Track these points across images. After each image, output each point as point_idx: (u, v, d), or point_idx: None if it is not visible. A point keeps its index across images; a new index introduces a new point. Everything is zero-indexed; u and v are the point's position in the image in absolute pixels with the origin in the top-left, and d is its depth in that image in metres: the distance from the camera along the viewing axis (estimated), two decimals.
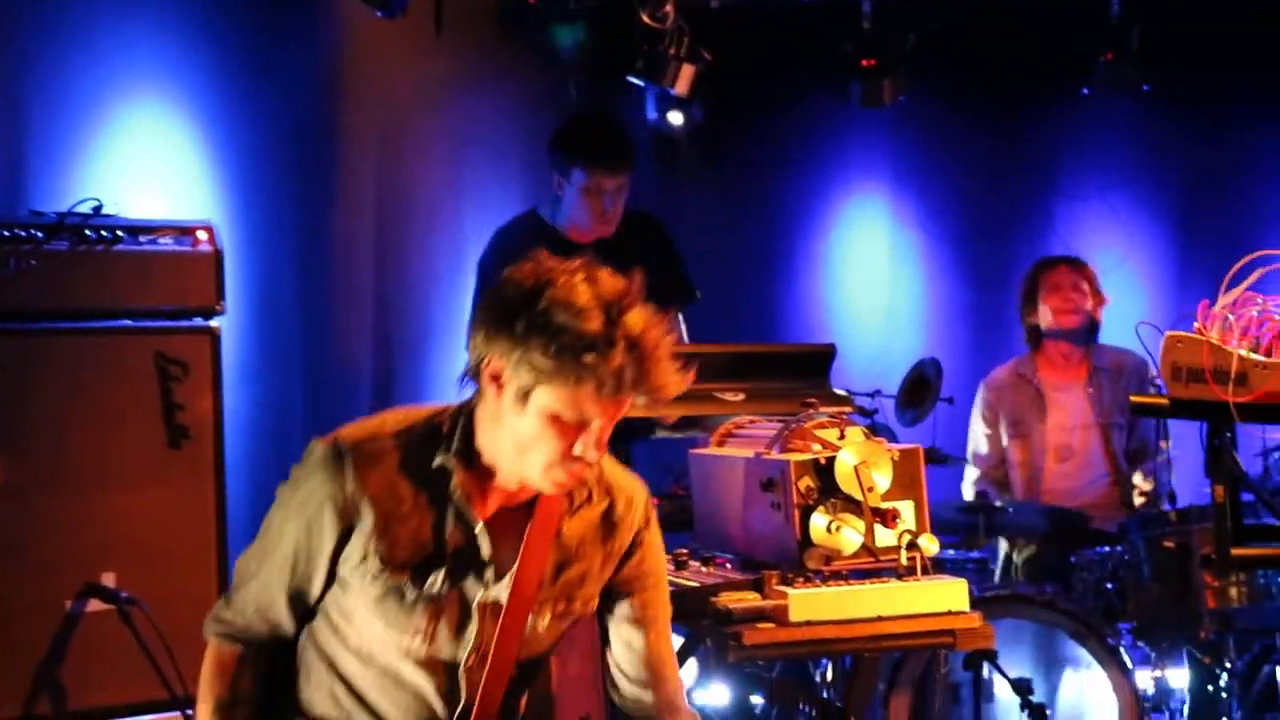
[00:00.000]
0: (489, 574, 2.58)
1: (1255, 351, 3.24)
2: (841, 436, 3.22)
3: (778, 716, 4.79)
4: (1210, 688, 4.99)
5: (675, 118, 6.63)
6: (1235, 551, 3.25)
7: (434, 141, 6.09)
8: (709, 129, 6.77)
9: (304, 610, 2.62)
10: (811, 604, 3.02)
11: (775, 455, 3.20)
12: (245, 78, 5.39)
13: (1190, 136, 7.01)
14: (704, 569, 3.35)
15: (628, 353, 2.42)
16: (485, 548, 2.58)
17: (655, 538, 2.78)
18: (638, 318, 2.46)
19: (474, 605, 2.58)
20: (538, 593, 2.61)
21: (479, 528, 2.57)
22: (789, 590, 3.03)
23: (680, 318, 4.95)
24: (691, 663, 4.04)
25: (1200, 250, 6.72)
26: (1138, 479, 5.50)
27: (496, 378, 2.48)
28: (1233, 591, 4.98)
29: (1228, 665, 4.96)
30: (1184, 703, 5.08)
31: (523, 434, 2.49)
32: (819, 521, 3.10)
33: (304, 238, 5.59)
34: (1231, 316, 3.30)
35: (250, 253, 5.31)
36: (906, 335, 6.89)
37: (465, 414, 2.58)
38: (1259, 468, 5.62)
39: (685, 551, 3.41)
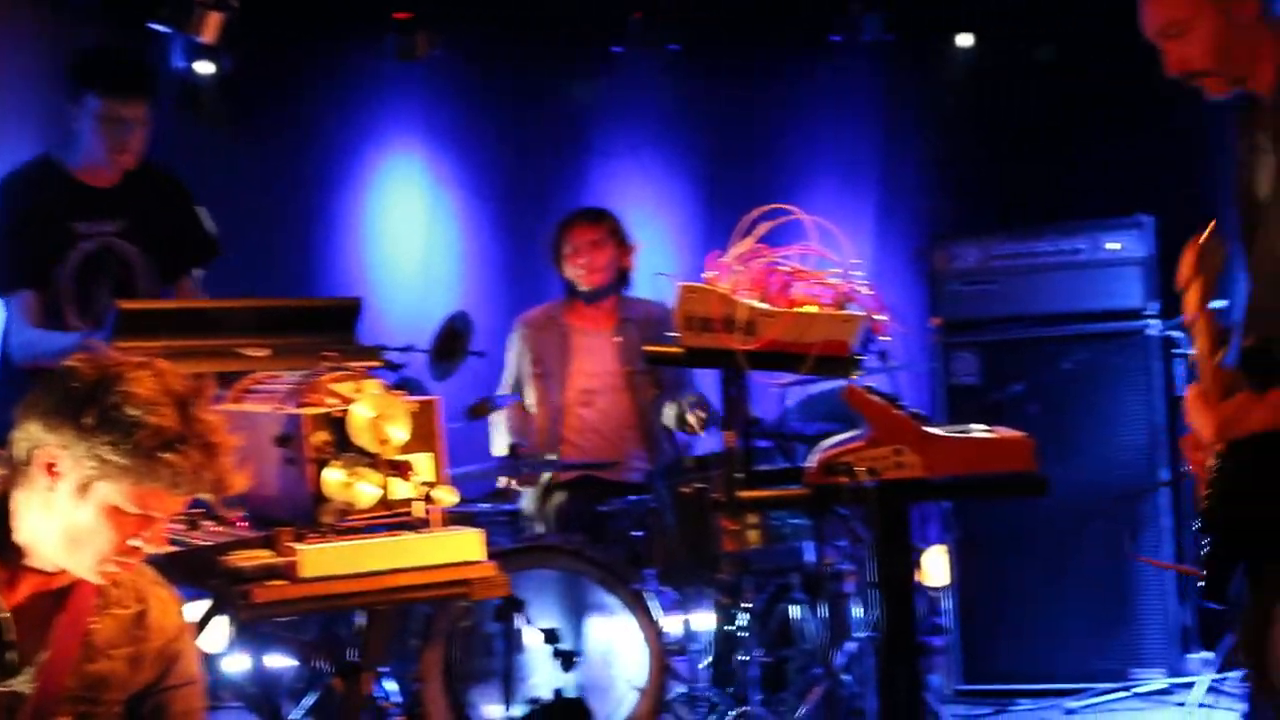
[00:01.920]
0: (10, 660, 2.46)
1: (763, 301, 3.36)
2: (358, 391, 3.16)
3: (306, 678, 4.71)
4: (729, 628, 5.18)
5: (204, 67, 6.39)
6: (742, 494, 3.36)
7: None
8: (240, 80, 6.56)
9: None
10: (323, 559, 2.97)
11: (289, 410, 3.12)
12: None
13: (718, 95, 7.23)
14: (218, 528, 3.25)
15: (202, 450, 2.43)
16: (9, 634, 2.45)
17: (190, 647, 2.73)
18: (208, 414, 2.47)
19: None
20: (62, 689, 2.50)
21: (4, 614, 2.45)
22: (300, 546, 2.97)
23: (199, 274, 4.80)
24: (224, 626, 3.93)
25: (726, 206, 6.92)
26: (676, 413, 5.52)
27: (51, 466, 2.41)
28: (751, 534, 5.18)
29: (745, 606, 5.14)
30: (707, 644, 5.25)
31: (79, 525, 2.43)
32: (334, 476, 3.05)
33: None
34: (741, 268, 3.42)
35: None
36: (442, 291, 6.89)
37: None
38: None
39: (200, 510, 3.29)
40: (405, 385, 4.45)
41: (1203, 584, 3.20)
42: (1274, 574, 3.09)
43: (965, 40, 7.25)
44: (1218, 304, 3.09)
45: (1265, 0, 3.06)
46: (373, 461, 3.07)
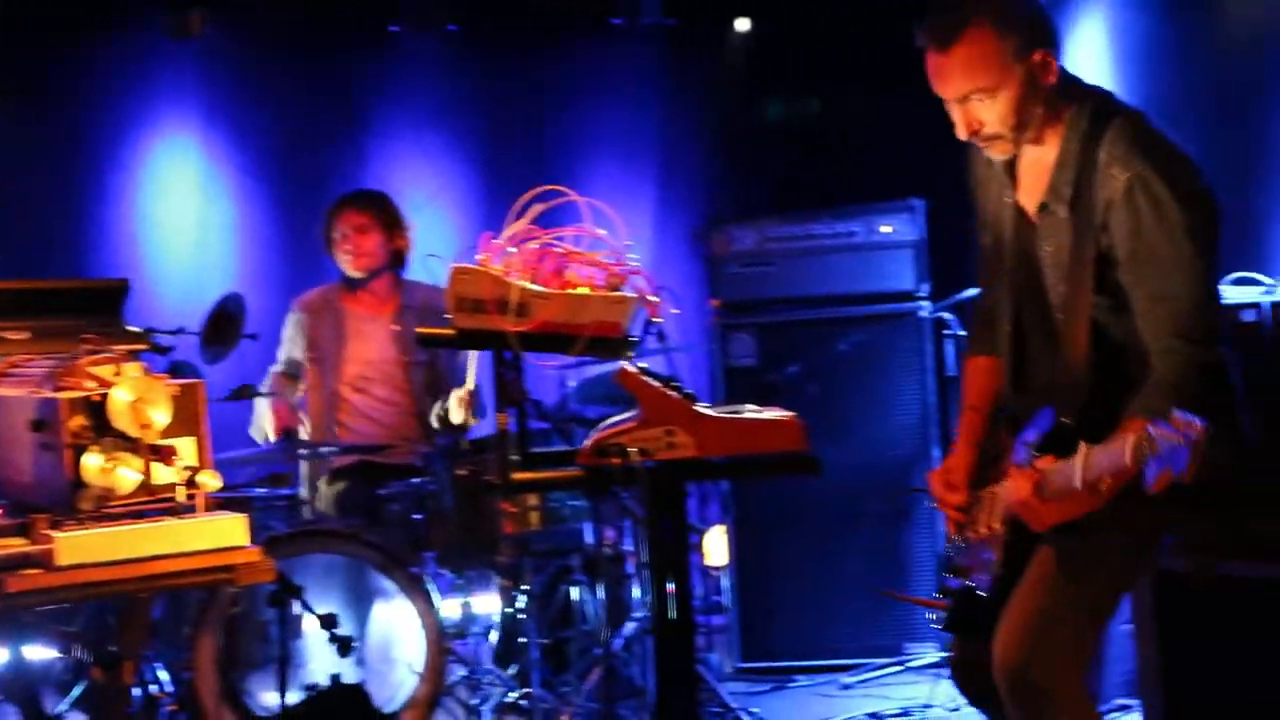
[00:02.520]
0: None
1: (536, 282, 3.34)
2: (118, 374, 3.07)
3: (71, 669, 4.59)
4: (510, 610, 5.17)
5: None
6: (516, 476, 3.35)
7: None
8: (7, 56, 6.34)
9: None
10: (80, 547, 2.89)
11: (45, 394, 3.02)
12: None
13: (497, 76, 7.20)
14: None
15: None
16: None
17: None
18: None
19: None
20: None
21: None
22: (57, 534, 2.88)
23: None
24: None
25: (507, 187, 6.88)
26: (451, 408, 5.50)
27: None
28: (530, 517, 5.18)
29: (525, 588, 5.14)
30: (489, 627, 5.23)
31: None
32: (93, 461, 2.96)
33: None
34: (514, 249, 3.40)
35: None
36: (217, 273, 6.74)
37: None
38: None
39: None
40: (177, 369, 4.35)
41: (940, 618, 3.32)
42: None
43: (743, 24, 7.33)
44: None
45: (1061, 68, 3.11)
46: (133, 446, 2.99)
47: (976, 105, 3.08)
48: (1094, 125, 3.07)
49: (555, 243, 3.36)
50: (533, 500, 5.16)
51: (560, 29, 7.16)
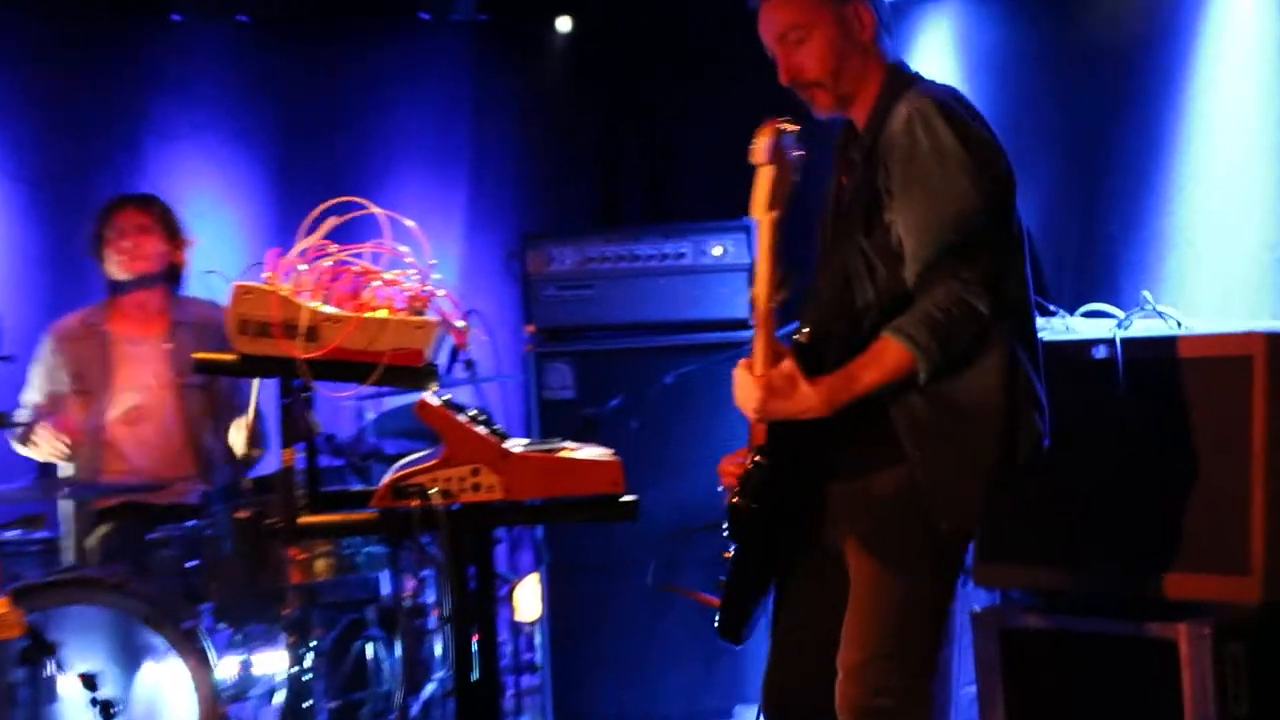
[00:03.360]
0: None
1: (328, 304, 3.31)
2: None
3: None
4: (296, 670, 5.09)
5: None
6: (304, 519, 3.32)
7: None
8: None
9: None
10: None
11: None
12: None
13: (292, 72, 7.13)
14: None
15: None
16: None
17: None
18: None
19: None
20: None
21: None
22: None
23: None
24: None
25: (302, 196, 6.82)
26: (232, 439, 5.44)
27: None
28: (319, 564, 5.12)
29: (313, 644, 5.07)
30: (272, 689, 5.15)
31: None
32: None
33: None
34: (305, 266, 3.37)
35: None
36: None
37: None
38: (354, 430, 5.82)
39: None
40: None
41: (719, 618, 3.43)
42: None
43: (565, 24, 7.35)
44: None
45: (879, 29, 3.41)
46: None
47: (794, 48, 3.38)
48: (902, 88, 3.35)
49: (351, 260, 3.34)
50: (323, 546, 5.09)
51: (362, 23, 7.11)
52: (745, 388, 3.31)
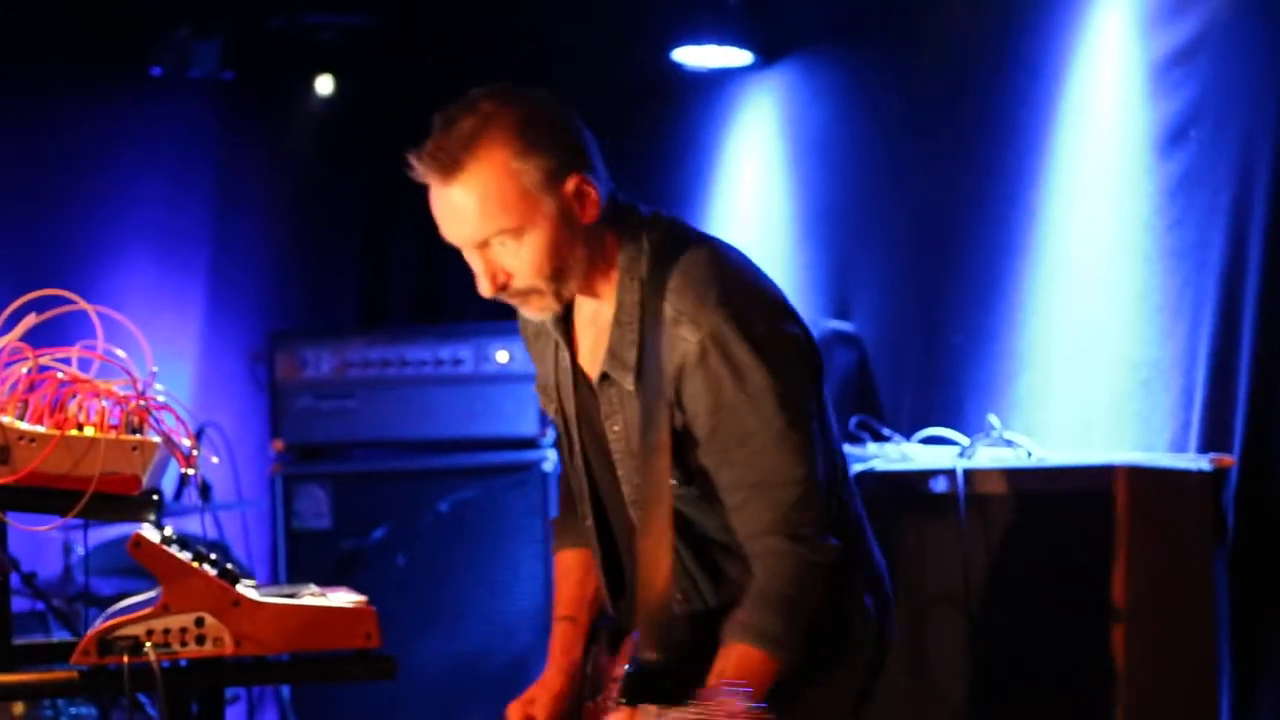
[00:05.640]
0: None
1: (24, 419, 3.28)
2: None
3: None
4: None
5: None
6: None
7: None
8: None
9: None
10: None
11: None
12: None
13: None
14: None
15: None
16: None
17: None
18: None
19: None
20: None
21: None
22: None
23: None
24: None
25: (3, 284, 6.77)
26: None
27: None
28: None
29: None
30: None
31: None
32: None
33: None
34: None
35: None
36: None
37: None
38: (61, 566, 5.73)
39: None
40: None
41: None
42: None
43: (325, 85, 7.36)
44: None
45: (601, 196, 3.10)
46: None
47: (499, 251, 3.05)
48: (656, 269, 3.10)
49: (54, 365, 3.31)
50: (18, 709, 5.00)
51: (83, 77, 7.05)
52: None
